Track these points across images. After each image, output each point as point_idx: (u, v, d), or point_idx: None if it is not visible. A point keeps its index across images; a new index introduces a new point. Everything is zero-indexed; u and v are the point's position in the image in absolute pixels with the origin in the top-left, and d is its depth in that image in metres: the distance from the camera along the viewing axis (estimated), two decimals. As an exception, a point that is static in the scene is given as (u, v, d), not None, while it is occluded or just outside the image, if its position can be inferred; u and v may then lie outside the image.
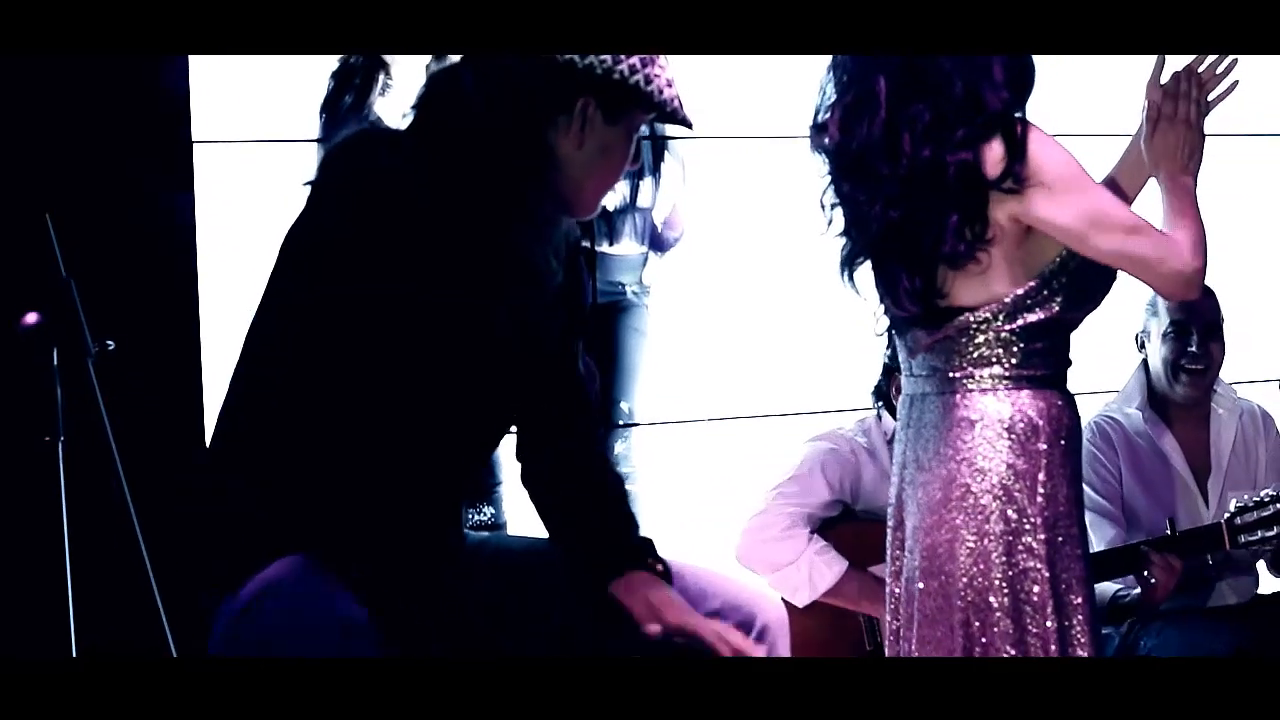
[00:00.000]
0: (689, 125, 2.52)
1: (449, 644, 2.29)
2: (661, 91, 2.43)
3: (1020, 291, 2.78)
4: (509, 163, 2.37)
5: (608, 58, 2.37)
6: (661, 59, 2.42)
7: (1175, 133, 2.80)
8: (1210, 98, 2.82)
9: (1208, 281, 3.93)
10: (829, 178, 2.87)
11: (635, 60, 2.38)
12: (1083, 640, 2.79)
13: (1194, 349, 3.99)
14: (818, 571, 3.62)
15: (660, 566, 2.55)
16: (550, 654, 2.47)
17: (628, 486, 2.74)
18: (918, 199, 2.74)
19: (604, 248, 4.63)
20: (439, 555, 2.43)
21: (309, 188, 2.42)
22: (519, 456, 2.66)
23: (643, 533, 2.61)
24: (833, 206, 2.89)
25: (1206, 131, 2.83)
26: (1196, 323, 3.98)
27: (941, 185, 2.71)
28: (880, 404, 3.79)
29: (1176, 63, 2.81)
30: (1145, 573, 3.69)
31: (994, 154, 2.70)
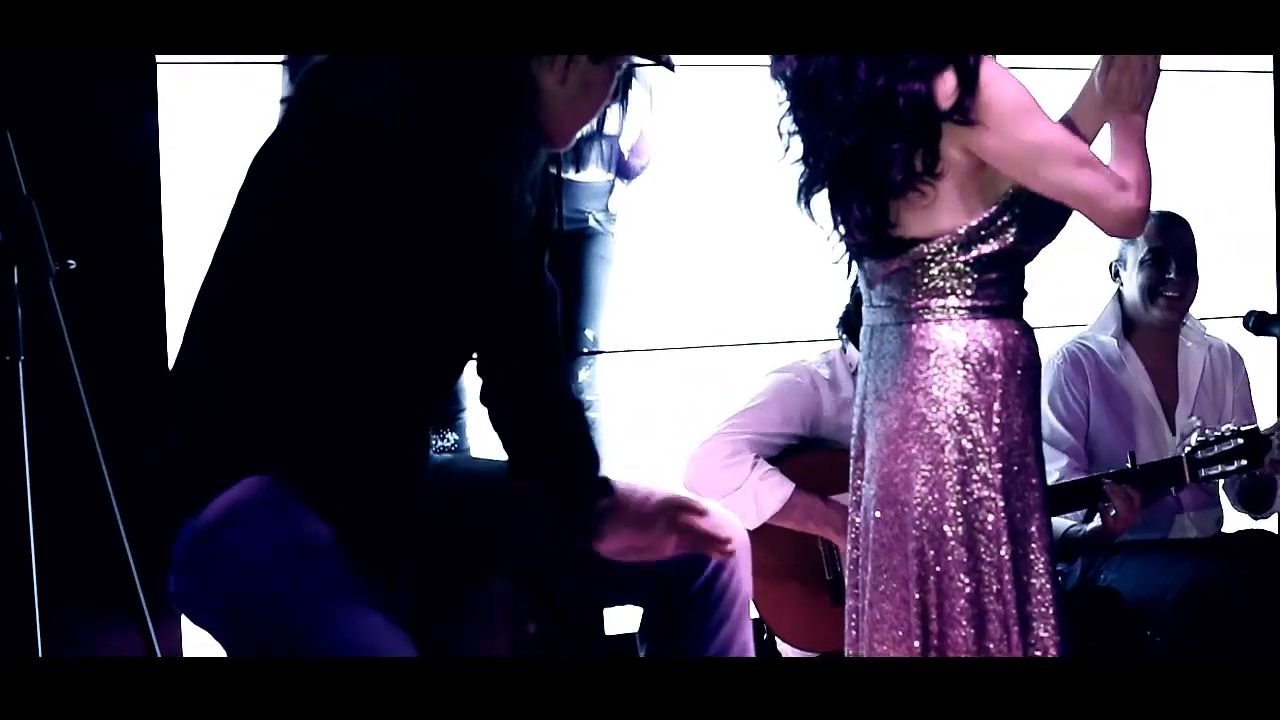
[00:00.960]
0: (671, 68, 2.52)
1: (414, 563, 2.30)
2: None
3: (974, 223, 2.79)
4: (491, 95, 2.37)
5: None
6: None
7: (1131, 70, 2.80)
8: None
9: (1182, 213, 3.99)
10: (787, 104, 2.87)
11: None
12: (1038, 568, 2.82)
13: (1171, 275, 4.03)
14: (763, 497, 3.65)
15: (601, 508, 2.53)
16: (513, 572, 2.47)
17: (591, 414, 2.74)
18: (871, 127, 2.75)
19: (570, 174, 4.61)
20: (406, 475, 2.43)
21: (283, 105, 2.41)
22: (480, 373, 2.66)
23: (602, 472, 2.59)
24: (790, 134, 2.90)
25: (1177, 66, 2.83)
26: (1174, 250, 4.02)
27: (894, 115, 2.73)
28: (845, 335, 3.80)
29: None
30: (1105, 505, 3.71)
31: (946, 85, 2.71)
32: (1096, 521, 3.74)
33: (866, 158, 2.77)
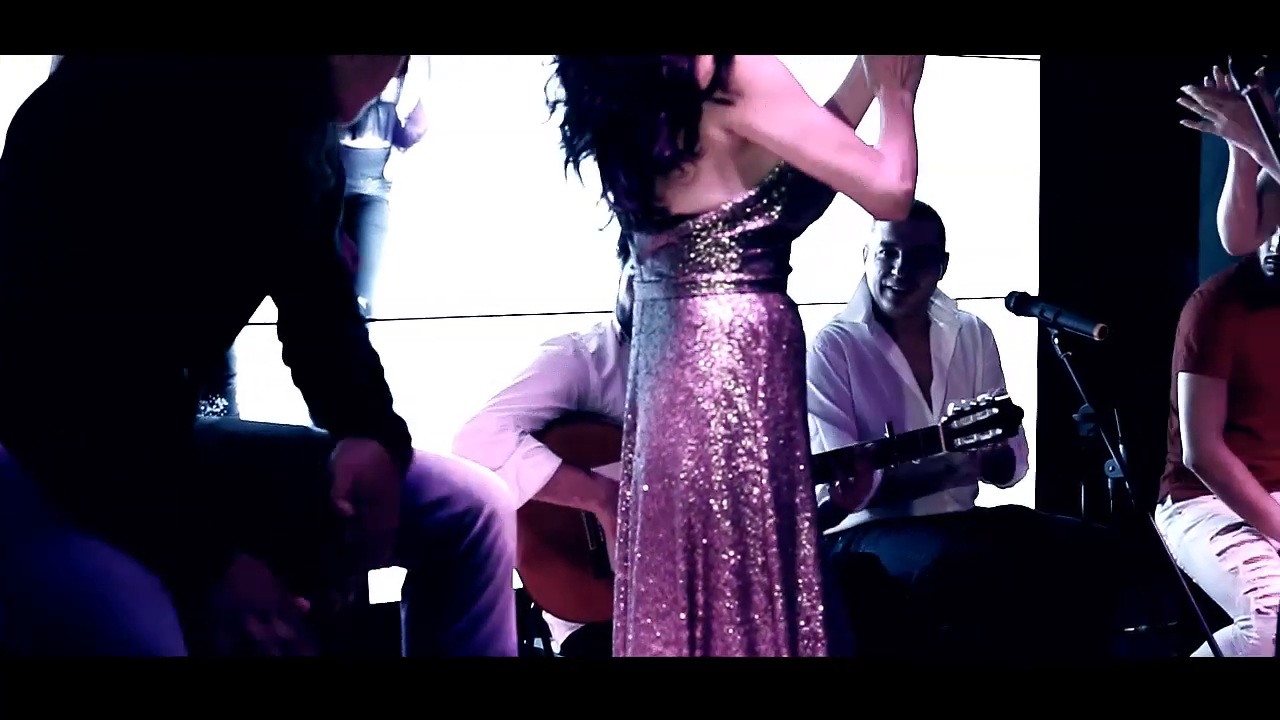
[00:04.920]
0: None
1: (176, 523, 2.27)
2: None
3: (739, 200, 2.81)
4: (283, 69, 2.36)
5: None
6: None
7: None
8: None
9: (935, 204, 4.06)
10: (555, 64, 2.87)
11: None
12: (802, 539, 2.85)
13: (896, 271, 4.10)
14: (525, 475, 3.65)
15: (405, 451, 2.58)
16: (281, 537, 2.46)
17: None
18: (638, 96, 2.75)
19: (347, 141, 4.58)
20: (164, 440, 2.39)
21: (52, 72, 2.35)
22: (281, 336, 2.68)
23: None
24: (557, 100, 2.89)
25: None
26: (904, 245, 4.08)
27: (659, 86, 2.73)
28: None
29: None
30: (834, 482, 3.78)
31: (705, 63, 2.72)
32: (827, 496, 3.81)
33: (632, 127, 2.78)
